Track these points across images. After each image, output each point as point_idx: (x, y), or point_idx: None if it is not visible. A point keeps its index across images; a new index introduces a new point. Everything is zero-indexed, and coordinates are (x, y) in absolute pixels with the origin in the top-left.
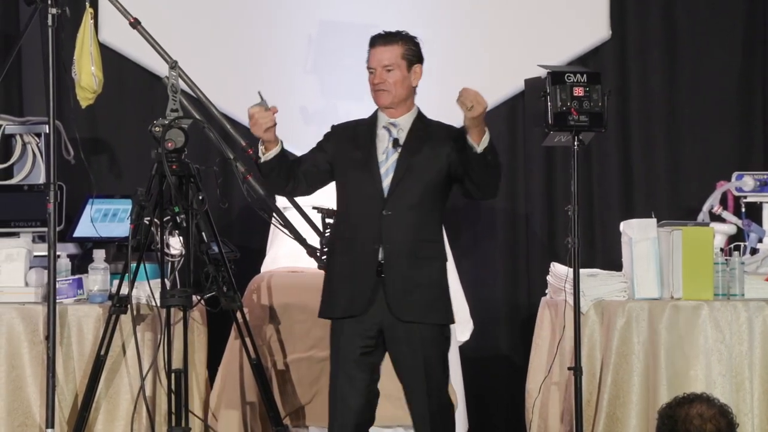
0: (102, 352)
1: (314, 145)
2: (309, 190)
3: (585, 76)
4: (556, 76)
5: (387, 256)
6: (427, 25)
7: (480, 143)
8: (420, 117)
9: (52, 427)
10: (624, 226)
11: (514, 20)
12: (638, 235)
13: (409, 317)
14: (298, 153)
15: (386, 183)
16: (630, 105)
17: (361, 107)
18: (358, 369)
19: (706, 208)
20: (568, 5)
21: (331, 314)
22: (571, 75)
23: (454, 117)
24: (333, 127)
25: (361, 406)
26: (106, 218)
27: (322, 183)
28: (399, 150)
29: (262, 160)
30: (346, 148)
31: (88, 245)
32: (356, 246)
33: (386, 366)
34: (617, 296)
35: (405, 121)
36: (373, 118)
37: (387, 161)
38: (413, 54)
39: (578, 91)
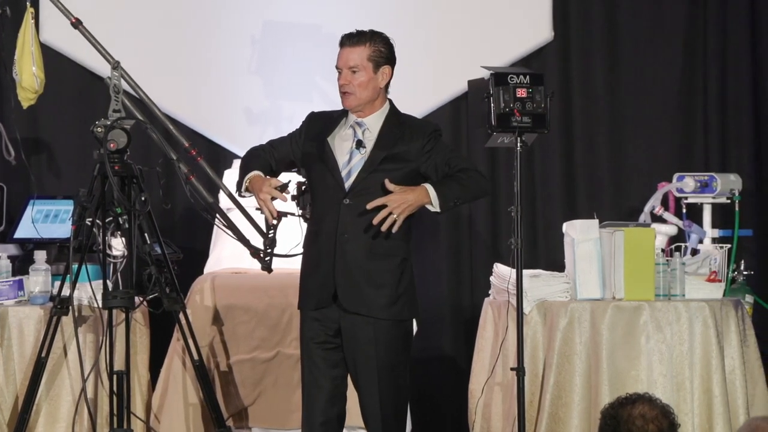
0: (43, 354)
1: (293, 131)
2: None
3: (528, 77)
4: (499, 77)
5: (344, 248)
6: (370, 26)
7: (434, 206)
8: (392, 114)
9: None
10: (566, 226)
11: (458, 21)
12: (580, 235)
13: (354, 308)
14: (242, 154)
15: (349, 183)
16: (572, 106)
17: (306, 108)
18: (321, 361)
19: (647, 209)
20: (510, 7)
21: (303, 306)
22: (514, 76)
23: None
24: (309, 115)
25: (325, 399)
26: (48, 219)
27: (292, 168)
28: (362, 151)
29: (243, 196)
30: (313, 146)
31: (29, 246)
32: (320, 237)
33: None
34: (560, 297)
35: (373, 121)
36: (343, 113)
37: (350, 162)
38: (381, 55)
39: (521, 93)
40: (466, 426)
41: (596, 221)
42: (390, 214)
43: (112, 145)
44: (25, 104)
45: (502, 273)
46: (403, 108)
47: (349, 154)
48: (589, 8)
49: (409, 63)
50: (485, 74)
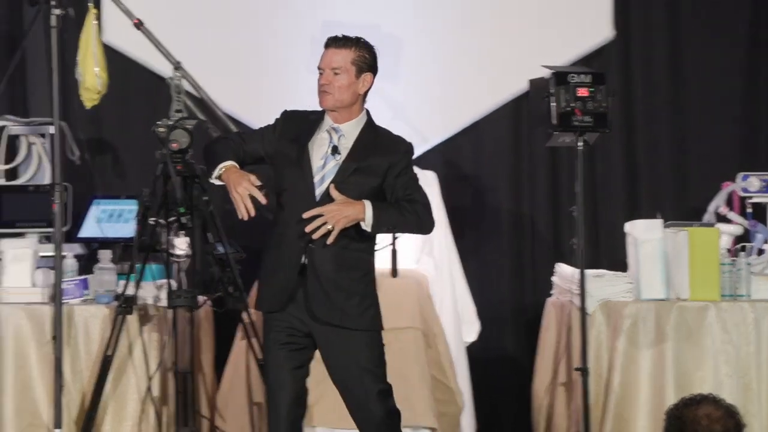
0: (109, 353)
1: (261, 128)
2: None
3: (589, 76)
4: (560, 76)
5: (311, 257)
6: (430, 24)
7: (366, 225)
8: (369, 126)
9: (60, 427)
10: (629, 226)
11: (519, 20)
12: (644, 235)
13: (327, 319)
14: None
15: (321, 189)
16: (634, 105)
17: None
18: (285, 362)
19: (711, 208)
20: (572, 5)
21: (258, 307)
22: (575, 75)
23: (457, 113)
24: (284, 114)
25: (289, 400)
26: (112, 219)
27: (260, 163)
28: (337, 157)
29: (215, 182)
30: (286, 145)
31: (93, 246)
32: (285, 242)
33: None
34: (623, 297)
35: (349, 128)
36: (320, 117)
37: (324, 168)
38: (364, 61)
39: (582, 92)
40: (529, 426)
41: (660, 221)
42: (325, 224)
43: (174, 145)
44: (88, 104)
45: (564, 273)
46: (465, 107)
47: (323, 159)
48: (651, 6)
49: (470, 62)
50: (546, 73)
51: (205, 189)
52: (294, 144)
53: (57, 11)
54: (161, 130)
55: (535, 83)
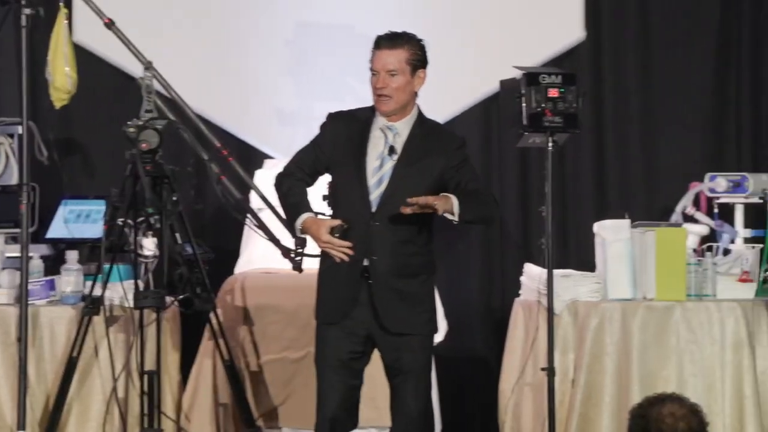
0: (74, 354)
1: (312, 141)
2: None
3: (560, 77)
4: (531, 77)
5: (373, 267)
6: (402, 26)
7: (455, 215)
8: (420, 121)
9: (24, 429)
10: (597, 227)
11: (489, 21)
12: (612, 235)
13: (395, 329)
14: (274, 154)
15: (377, 193)
16: (604, 106)
17: (338, 108)
18: (341, 375)
19: (679, 209)
20: (542, 6)
21: (318, 318)
22: (546, 76)
23: (427, 114)
24: (329, 116)
25: (342, 412)
26: (80, 219)
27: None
28: (394, 157)
29: (302, 237)
30: (340, 148)
31: (61, 246)
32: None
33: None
34: (590, 297)
35: (403, 126)
36: (370, 115)
37: (380, 169)
38: (417, 59)
39: (553, 93)
40: (496, 426)
41: (628, 221)
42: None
43: (144, 145)
44: (57, 104)
45: (532, 273)
46: (435, 108)
47: (380, 159)
48: (622, 7)
49: (441, 63)
50: (517, 74)
51: (174, 189)
52: (348, 147)
53: (27, 11)
54: (131, 130)
55: (506, 84)
